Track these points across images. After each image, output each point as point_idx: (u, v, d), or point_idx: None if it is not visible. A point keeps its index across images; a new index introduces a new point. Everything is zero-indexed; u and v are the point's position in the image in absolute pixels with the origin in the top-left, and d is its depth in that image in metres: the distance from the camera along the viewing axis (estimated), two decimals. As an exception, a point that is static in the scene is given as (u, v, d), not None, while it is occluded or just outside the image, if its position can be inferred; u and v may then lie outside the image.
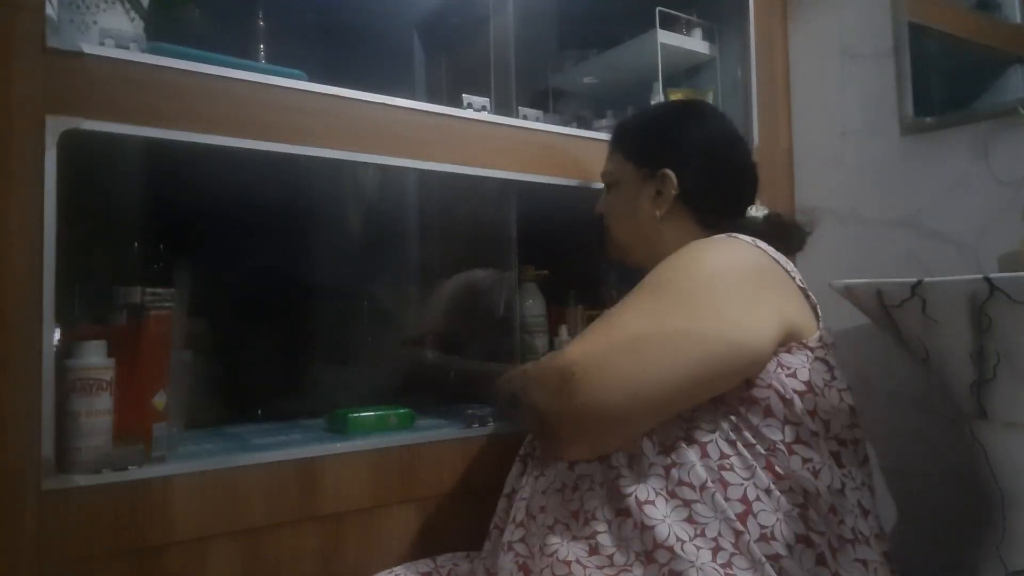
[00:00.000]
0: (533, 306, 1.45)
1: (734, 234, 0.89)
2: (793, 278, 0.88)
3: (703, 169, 1.01)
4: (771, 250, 0.88)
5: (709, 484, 0.77)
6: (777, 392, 0.80)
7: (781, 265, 0.87)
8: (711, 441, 0.80)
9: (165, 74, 0.95)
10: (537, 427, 0.85)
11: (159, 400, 0.98)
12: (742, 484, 0.78)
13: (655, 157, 1.02)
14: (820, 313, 0.90)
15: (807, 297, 0.89)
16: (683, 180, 0.99)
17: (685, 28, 1.67)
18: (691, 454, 0.79)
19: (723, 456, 0.79)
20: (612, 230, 1.08)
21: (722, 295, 0.80)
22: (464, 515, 1.12)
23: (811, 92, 1.69)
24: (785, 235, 0.98)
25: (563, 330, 1.45)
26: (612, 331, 0.78)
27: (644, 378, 0.75)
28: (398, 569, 1.00)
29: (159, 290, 1.01)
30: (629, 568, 0.76)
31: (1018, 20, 1.47)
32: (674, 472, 0.78)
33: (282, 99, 1.03)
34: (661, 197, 1.00)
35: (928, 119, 1.47)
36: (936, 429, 1.40)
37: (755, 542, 0.75)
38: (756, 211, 1.00)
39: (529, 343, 1.43)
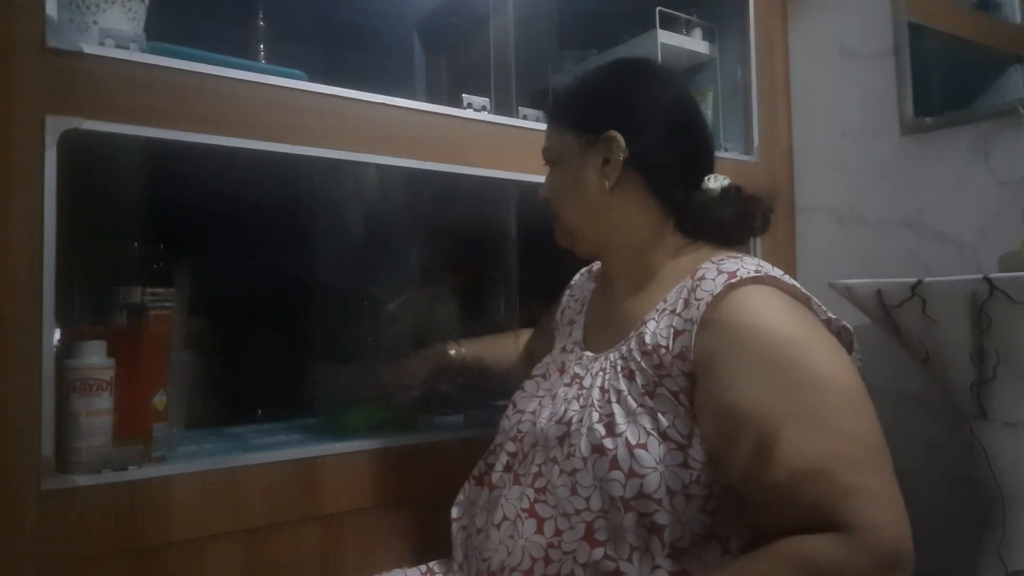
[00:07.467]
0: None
1: (762, 270, 0.79)
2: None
3: (654, 129, 0.88)
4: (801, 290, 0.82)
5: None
6: None
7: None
8: (734, 536, 0.76)
9: (165, 74, 0.95)
10: None
11: (159, 400, 0.98)
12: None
13: (598, 120, 0.88)
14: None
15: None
16: (632, 142, 0.86)
17: (685, 28, 1.67)
18: (711, 551, 0.75)
19: (746, 546, 0.75)
20: (559, 213, 0.94)
21: (844, 364, 0.75)
22: (464, 515, 1.12)
23: (811, 92, 1.69)
24: (746, 214, 0.88)
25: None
26: (874, 467, 0.69)
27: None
28: None
29: (159, 290, 1.01)
30: None
31: (1018, 20, 1.47)
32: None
33: (282, 99, 1.03)
34: (609, 165, 0.87)
35: (928, 119, 1.47)
36: (936, 429, 1.40)
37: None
38: (713, 182, 0.88)
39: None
